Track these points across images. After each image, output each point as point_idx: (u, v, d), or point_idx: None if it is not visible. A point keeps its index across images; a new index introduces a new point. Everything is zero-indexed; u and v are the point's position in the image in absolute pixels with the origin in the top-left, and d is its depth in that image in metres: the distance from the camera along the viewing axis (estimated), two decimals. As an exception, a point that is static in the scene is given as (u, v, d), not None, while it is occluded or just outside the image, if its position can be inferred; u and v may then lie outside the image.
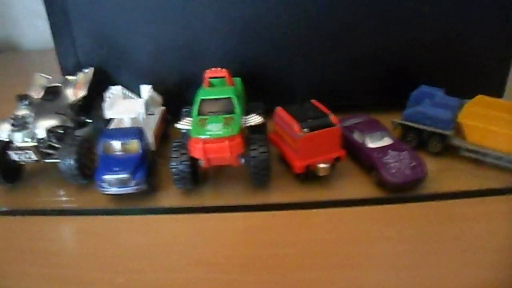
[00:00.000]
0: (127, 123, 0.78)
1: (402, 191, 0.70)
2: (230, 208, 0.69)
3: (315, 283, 0.56)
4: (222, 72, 0.77)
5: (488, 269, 0.57)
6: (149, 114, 0.81)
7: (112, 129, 0.76)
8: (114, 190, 0.68)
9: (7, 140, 0.73)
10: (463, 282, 0.55)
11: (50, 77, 0.86)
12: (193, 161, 0.69)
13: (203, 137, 0.66)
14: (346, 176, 0.75)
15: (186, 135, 0.72)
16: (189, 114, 0.77)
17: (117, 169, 0.68)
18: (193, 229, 0.66)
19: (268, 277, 0.57)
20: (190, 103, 0.76)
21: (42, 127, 0.73)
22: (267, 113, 0.79)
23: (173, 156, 0.69)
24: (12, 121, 0.74)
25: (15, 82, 0.97)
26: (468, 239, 0.62)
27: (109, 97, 0.79)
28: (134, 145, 0.71)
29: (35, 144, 0.73)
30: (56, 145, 0.74)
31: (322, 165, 0.70)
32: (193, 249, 0.62)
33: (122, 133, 0.72)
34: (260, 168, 0.68)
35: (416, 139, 0.80)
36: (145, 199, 0.72)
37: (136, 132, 0.72)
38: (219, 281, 0.57)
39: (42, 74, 0.86)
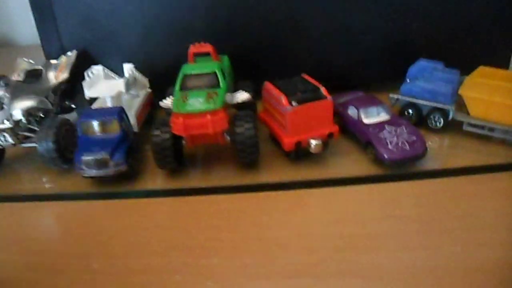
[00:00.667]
0: (109, 104, 0.73)
1: (400, 168, 0.65)
2: (217, 190, 0.65)
3: (309, 267, 0.51)
4: (207, 47, 0.72)
5: (496, 248, 0.51)
6: (134, 97, 0.77)
7: (91, 109, 0.71)
8: (93, 172, 0.64)
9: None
10: (470, 262, 0.49)
11: (32, 61, 0.82)
12: (176, 139, 0.64)
13: (183, 112, 0.61)
14: (341, 154, 0.70)
15: (169, 113, 0.67)
16: (172, 93, 0.72)
17: (95, 149, 0.63)
18: (177, 213, 0.61)
19: (258, 261, 0.52)
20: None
21: (18, 108, 0.69)
22: (257, 93, 0.74)
23: (154, 133, 0.64)
24: None
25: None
26: (474, 217, 0.56)
27: (89, 76, 0.74)
28: (114, 125, 0.66)
29: (11, 126, 0.68)
30: (36, 129, 0.70)
31: (313, 142, 0.65)
32: (177, 233, 0.57)
33: (101, 113, 0.67)
34: (247, 145, 0.63)
35: (415, 116, 0.75)
36: (128, 183, 0.67)
37: (115, 111, 0.67)
38: (204, 266, 0.52)
39: (25, 59, 0.82)
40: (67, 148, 0.69)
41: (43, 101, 0.72)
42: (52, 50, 0.87)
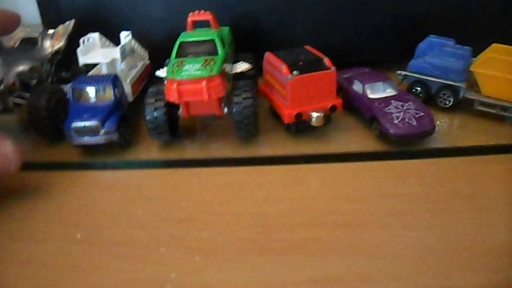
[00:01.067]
0: (104, 72, 0.70)
1: (406, 144, 0.61)
2: (211, 162, 0.61)
3: (305, 243, 0.47)
4: (206, 14, 0.68)
5: (504, 230, 0.48)
6: (131, 67, 0.74)
7: (84, 75, 0.68)
8: (83, 139, 0.61)
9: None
10: (477, 242, 0.46)
11: (29, 28, 0.79)
12: (170, 108, 0.61)
13: (178, 78, 0.57)
14: (344, 130, 0.66)
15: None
16: (171, 63, 0.69)
17: (86, 116, 0.60)
18: (168, 185, 0.58)
19: (250, 236, 0.48)
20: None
21: (9, 73, 0.66)
22: (259, 68, 0.71)
23: (148, 102, 0.61)
24: None
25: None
26: (483, 198, 0.52)
27: (84, 43, 0.71)
28: (107, 92, 0.63)
29: (1, 90, 0.65)
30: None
31: (315, 114, 0.61)
32: (166, 205, 0.54)
33: (94, 79, 0.64)
34: (244, 115, 0.60)
35: (423, 93, 0.71)
36: (119, 153, 0.64)
37: (109, 78, 0.64)
38: (193, 239, 0.48)
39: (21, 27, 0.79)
40: (59, 117, 0.66)
41: (36, 67, 0.69)
42: (49, 18, 0.84)
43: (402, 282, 0.41)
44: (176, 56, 0.62)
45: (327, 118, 0.62)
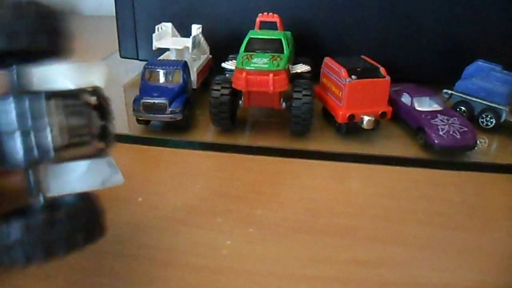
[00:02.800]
0: (173, 58, 0.74)
1: (448, 156, 0.64)
2: (264, 150, 0.64)
3: (348, 229, 0.50)
4: (274, 17, 0.73)
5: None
6: (194, 59, 0.78)
7: (157, 59, 0.72)
8: (150, 116, 0.65)
9: None
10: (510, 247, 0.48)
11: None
12: (234, 96, 0.65)
13: (247, 68, 0.62)
14: (389, 137, 0.69)
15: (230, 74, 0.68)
16: (235, 58, 0.73)
17: (155, 95, 0.65)
18: (223, 165, 0.62)
19: (300, 217, 0.52)
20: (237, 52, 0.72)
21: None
22: (314, 75, 0.74)
23: (215, 88, 0.64)
24: None
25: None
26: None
27: (159, 30, 0.76)
28: (177, 76, 0.67)
29: None
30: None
31: (366, 118, 0.64)
32: (222, 182, 0.58)
33: (166, 63, 0.68)
34: (302, 111, 0.63)
35: (467, 113, 0.73)
36: (180, 133, 0.68)
37: (180, 63, 0.68)
38: (248, 214, 0.52)
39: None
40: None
41: None
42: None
43: (440, 272, 0.44)
44: (245, 50, 0.66)
45: (377, 123, 0.66)
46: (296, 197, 0.55)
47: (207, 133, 0.69)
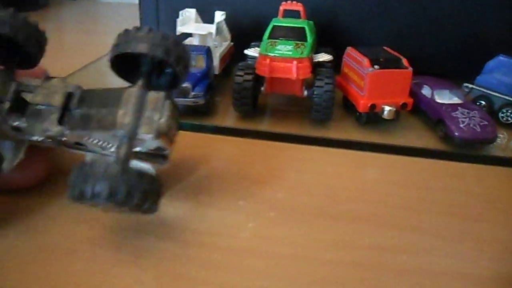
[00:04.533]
0: (196, 44, 0.74)
1: (468, 148, 0.63)
2: (285, 137, 0.64)
3: (368, 216, 0.50)
4: (298, 5, 0.73)
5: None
6: (216, 46, 0.78)
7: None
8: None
9: None
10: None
11: None
12: (256, 82, 0.65)
13: (271, 54, 0.62)
14: (409, 129, 0.69)
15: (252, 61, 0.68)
16: (257, 46, 0.73)
17: (178, 79, 0.65)
18: (244, 151, 0.62)
19: (321, 203, 0.52)
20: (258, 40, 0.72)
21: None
22: (335, 66, 0.74)
23: (238, 74, 0.64)
24: None
25: (85, 29, 0.96)
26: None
27: (183, 15, 0.76)
28: (200, 61, 0.67)
29: None
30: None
31: (387, 108, 0.64)
32: (243, 167, 0.58)
33: (190, 48, 0.68)
34: (324, 99, 0.63)
35: (486, 108, 0.73)
36: (201, 117, 0.68)
37: (203, 48, 0.68)
38: (269, 199, 0.52)
39: None
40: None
41: None
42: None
43: (458, 261, 0.44)
44: (269, 37, 0.66)
45: (397, 113, 0.65)
46: (316, 183, 0.55)
47: (228, 119, 0.69)
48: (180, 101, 0.65)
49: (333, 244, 0.45)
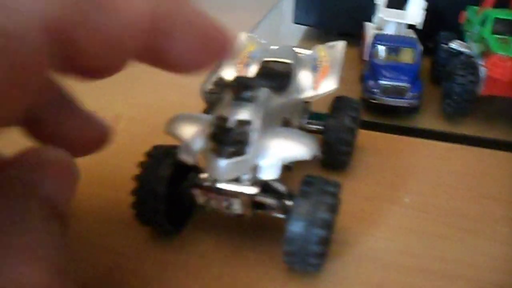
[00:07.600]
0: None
1: None
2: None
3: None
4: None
5: None
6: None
7: (385, 34, 0.65)
8: (387, 99, 0.58)
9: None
10: None
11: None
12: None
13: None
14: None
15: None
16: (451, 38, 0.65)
17: (393, 76, 0.58)
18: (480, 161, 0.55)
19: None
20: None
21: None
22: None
23: (460, 73, 0.57)
24: None
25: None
26: None
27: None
28: (407, 54, 0.60)
29: None
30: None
31: None
32: (482, 180, 0.52)
33: (396, 39, 0.61)
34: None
35: None
36: (408, 120, 0.61)
37: (413, 41, 0.61)
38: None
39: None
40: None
41: None
42: None
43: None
44: (493, 33, 0.59)
45: None
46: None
47: (434, 121, 0.62)
48: (395, 102, 0.58)
49: None
